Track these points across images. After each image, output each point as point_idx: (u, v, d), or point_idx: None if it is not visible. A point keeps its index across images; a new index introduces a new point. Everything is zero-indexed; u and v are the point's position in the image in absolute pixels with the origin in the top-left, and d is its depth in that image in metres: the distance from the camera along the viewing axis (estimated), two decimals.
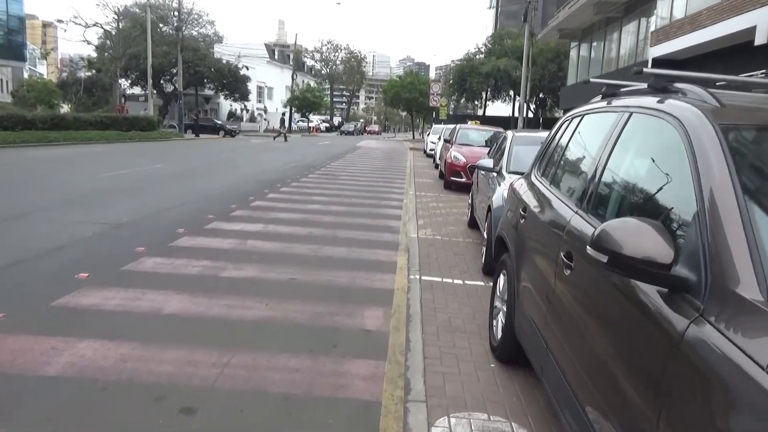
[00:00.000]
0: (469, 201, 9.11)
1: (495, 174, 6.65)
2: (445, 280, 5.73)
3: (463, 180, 13.22)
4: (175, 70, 43.59)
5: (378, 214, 9.55)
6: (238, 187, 12.13)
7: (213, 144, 29.83)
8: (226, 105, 59.35)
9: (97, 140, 26.18)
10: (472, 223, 8.55)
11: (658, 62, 18.62)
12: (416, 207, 10.55)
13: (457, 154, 13.50)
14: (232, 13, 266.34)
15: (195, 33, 58.69)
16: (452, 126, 22.04)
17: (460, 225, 8.94)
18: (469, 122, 29.38)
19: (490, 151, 8.60)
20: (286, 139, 38.34)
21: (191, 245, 6.64)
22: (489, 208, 6.17)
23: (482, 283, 5.66)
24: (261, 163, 18.50)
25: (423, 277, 5.76)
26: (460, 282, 5.69)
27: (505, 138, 7.38)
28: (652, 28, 22.30)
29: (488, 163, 6.74)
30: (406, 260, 6.43)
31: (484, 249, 6.29)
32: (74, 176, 13.02)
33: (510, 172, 6.37)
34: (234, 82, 51.40)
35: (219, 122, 46.08)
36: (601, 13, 25.92)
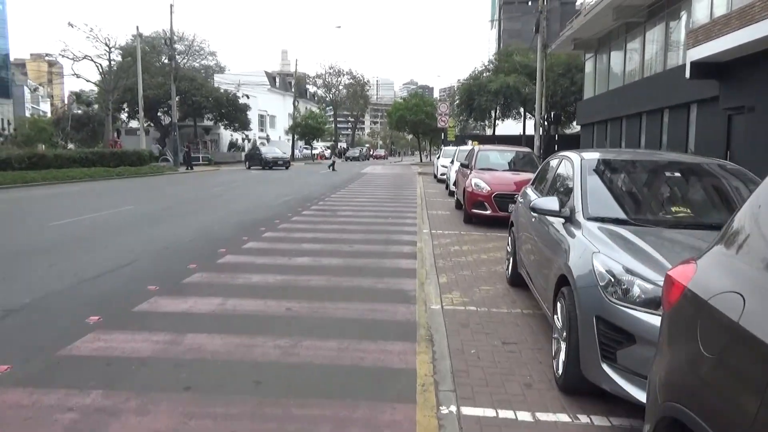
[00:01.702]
0: (509, 247, 6.74)
1: (562, 220, 4.29)
2: (501, 413, 3.34)
3: (488, 212, 10.87)
4: (175, 103, 41.96)
5: (385, 270, 7.19)
6: (211, 233, 9.83)
7: (207, 177, 27.74)
8: (226, 135, 57.63)
9: (80, 178, 24.14)
10: (516, 280, 6.18)
11: (698, 66, 16.31)
12: (434, 253, 8.19)
13: (479, 182, 11.17)
14: (234, 44, 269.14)
15: (197, 65, 57.49)
16: (467, 147, 19.79)
17: (496, 281, 6.55)
18: (469, 142, 27.15)
19: (535, 181, 6.26)
20: (333, 168, 36.43)
21: (93, 351, 4.27)
22: (562, 279, 3.81)
23: (567, 419, 3.27)
24: (251, 198, 16.25)
25: (462, 410, 3.37)
26: (528, 418, 3.29)
27: (566, 164, 5.03)
28: (683, 30, 20.13)
29: (549, 203, 4.38)
30: (430, 366, 4.03)
31: (554, 346, 3.91)
32: (14, 226, 10.81)
33: (591, 219, 4.01)
34: (233, 112, 49.67)
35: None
36: (620, 19, 23.76)
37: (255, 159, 38.99)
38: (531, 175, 12.35)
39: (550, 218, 4.49)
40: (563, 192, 4.85)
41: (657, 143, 21.46)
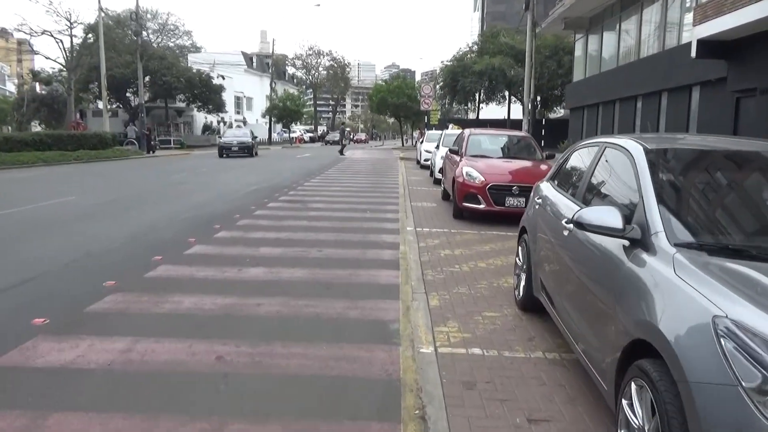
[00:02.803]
0: (518, 259, 5.25)
1: (625, 242, 2.79)
2: None
3: (482, 207, 9.38)
4: (142, 82, 39.54)
5: (360, 287, 5.66)
6: (151, 233, 8.19)
7: (174, 162, 25.79)
8: (200, 117, 55.22)
9: (32, 163, 22.10)
10: (530, 304, 4.71)
11: (705, 45, 14.92)
12: (421, 261, 6.67)
13: (471, 171, 9.65)
14: (212, 24, 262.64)
15: (171, 44, 54.82)
16: (453, 132, 18.26)
17: (503, 303, 5.07)
18: (450, 126, 25.63)
19: (557, 175, 4.74)
20: (342, 152, 34.94)
21: None
22: (637, 346, 2.32)
23: None
24: (214, 188, 14.55)
25: None
26: None
27: (614, 155, 3.50)
28: (683, 7, 18.76)
29: (606, 217, 2.80)
30: None
31: None
32: None
33: (680, 245, 2.50)
34: (206, 93, 47.35)
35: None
36: None
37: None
38: (528, 164, 10.97)
39: (599, 237, 2.98)
40: (613, 197, 3.35)
41: (654, 127, 20.16)
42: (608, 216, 2.79)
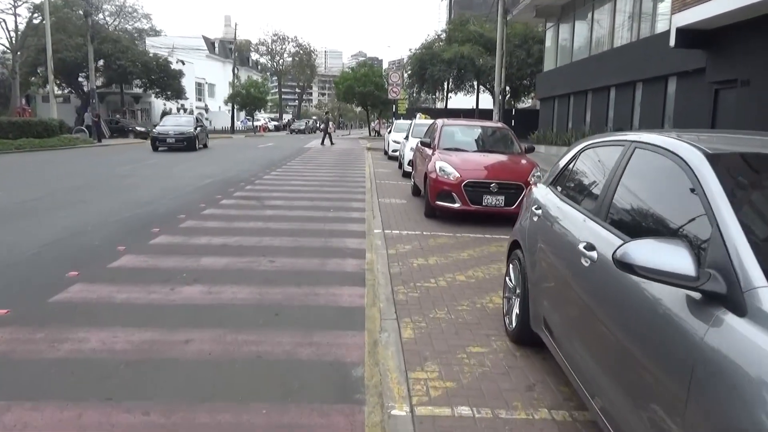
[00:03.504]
0: (509, 281, 4.33)
1: (696, 295, 1.86)
2: None
3: (457, 206, 8.47)
4: (94, 65, 37.31)
5: (317, 311, 4.66)
6: (76, 239, 7.00)
7: (124, 152, 24.12)
8: (159, 104, 52.97)
9: None
10: (525, 336, 3.80)
11: (684, 34, 14.31)
12: (390, 273, 5.72)
13: (445, 166, 8.73)
14: (174, 8, 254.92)
15: (129, 27, 52.20)
16: (423, 122, 17.33)
17: (491, 333, 4.14)
18: (417, 115, 24.74)
19: (557, 180, 3.82)
20: (328, 142, 32.97)
21: None
22: None
23: None
24: (163, 181, 13.27)
25: None
26: None
27: (657, 162, 2.58)
28: None
29: (672, 259, 1.88)
30: None
31: None
32: None
33: None
34: (164, 78, 45.28)
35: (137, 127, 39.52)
36: None
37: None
38: (507, 158, 10.00)
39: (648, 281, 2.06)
40: (658, 220, 2.44)
41: (628, 120, 19.65)
42: (674, 257, 1.86)
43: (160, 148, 24.03)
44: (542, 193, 3.93)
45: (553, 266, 3.25)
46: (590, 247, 2.71)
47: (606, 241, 2.62)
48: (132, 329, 4.08)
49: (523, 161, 9.16)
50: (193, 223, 8.14)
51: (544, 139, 25.86)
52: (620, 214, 2.76)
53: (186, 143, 24.32)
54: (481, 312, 4.68)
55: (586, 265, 2.70)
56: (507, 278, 4.37)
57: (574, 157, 3.72)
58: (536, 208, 3.85)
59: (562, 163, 3.89)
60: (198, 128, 25.79)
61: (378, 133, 48.53)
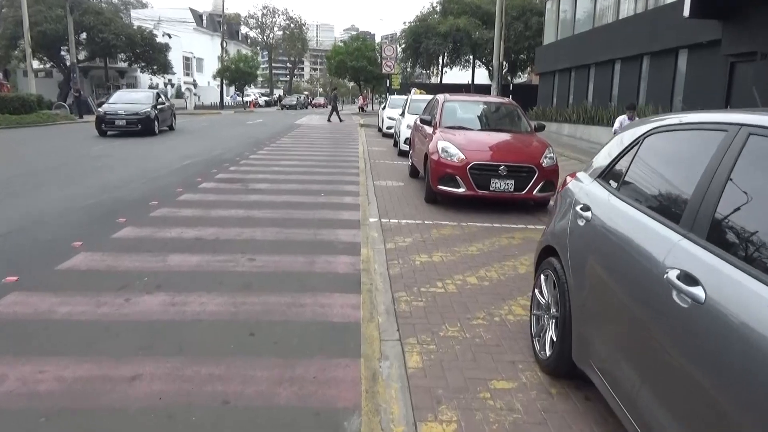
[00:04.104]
0: (544, 299, 3.50)
1: None
2: None
3: (462, 191, 7.61)
4: (75, 38, 35.75)
5: (302, 330, 3.81)
6: (29, 231, 6.07)
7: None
8: (145, 79, 51.31)
9: None
10: (560, 368, 2.99)
11: (699, 2, 13.31)
12: (389, 275, 4.88)
13: (448, 146, 7.84)
14: None
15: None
16: (422, 97, 16.38)
17: (517, 359, 3.32)
18: (412, 90, 23.69)
19: (611, 169, 2.96)
20: (336, 119, 31.41)
21: None
22: None
23: None
24: (140, 162, 12.29)
25: None
26: None
27: None
28: None
29: None
30: None
31: None
32: None
33: None
34: (150, 52, 43.67)
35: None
36: None
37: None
38: (516, 137, 8.89)
39: None
40: None
41: (633, 94, 18.71)
42: None
43: (109, 132, 18.59)
44: (589, 190, 3.06)
45: (618, 294, 2.40)
46: (689, 279, 1.87)
47: (719, 274, 1.77)
48: (66, 360, 3.23)
49: (534, 141, 8.28)
50: (166, 211, 7.23)
51: (543, 115, 24.90)
52: (731, 231, 1.90)
53: (141, 126, 18.60)
54: (500, 328, 3.86)
55: (684, 306, 1.86)
56: (536, 291, 3.53)
57: (634, 144, 2.84)
58: (582, 209, 2.99)
59: (615, 150, 3.02)
60: (158, 106, 20.15)
61: (362, 109, 46.71)
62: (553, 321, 3.21)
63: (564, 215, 3.27)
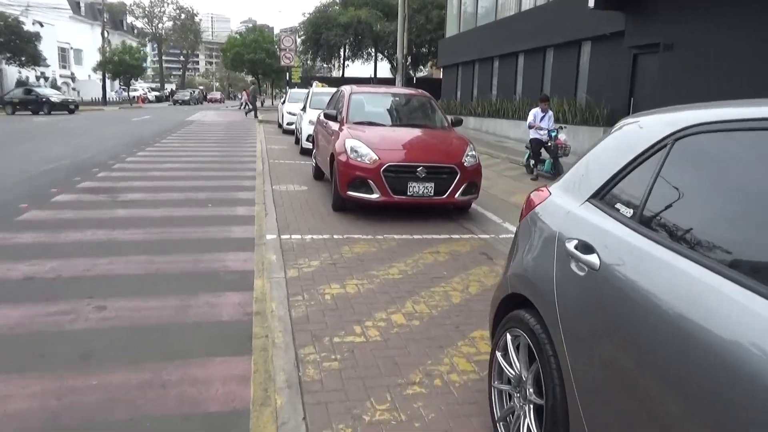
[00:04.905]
0: (513, 373, 2.45)
1: None
2: None
3: (375, 197, 6.52)
4: None
5: None
6: None
7: None
8: (12, 72, 45.81)
9: None
10: None
11: None
12: (292, 321, 3.68)
13: (357, 145, 6.71)
14: None
15: None
16: (325, 90, 15.16)
17: None
18: (314, 83, 22.46)
19: (610, 188, 1.98)
20: (256, 115, 28.67)
21: None
22: None
23: None
24: None
25: None
26: None
27: None
28: None
29: None
30: None
31: None
32: None
33: None
34: (16, 42, 38.89)
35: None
36: None
37: None
38: (433, 133, 7.84)
39: None
40: None
41: (537, 86, 18.59)
42: None
43: None
44: (584, 218, 2.04)
45: (661, 386, 1.38)
46: None
47: None
48: None
49: (453, 137, 7.36)
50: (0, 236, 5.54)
51: (448, 108, 24.50)
52: None
53: None
54: (444, 399, 2.80)
55: None
56: (499, 355, 2.49)
57: (656, 150, 1.84)
58: (579, 249, 1.95)
59: (622, 160, 2.01)
60: None
61: (246, 105, 42.47)
62: (532, 407, 2.19)
63: (540, 254, 2.24)
